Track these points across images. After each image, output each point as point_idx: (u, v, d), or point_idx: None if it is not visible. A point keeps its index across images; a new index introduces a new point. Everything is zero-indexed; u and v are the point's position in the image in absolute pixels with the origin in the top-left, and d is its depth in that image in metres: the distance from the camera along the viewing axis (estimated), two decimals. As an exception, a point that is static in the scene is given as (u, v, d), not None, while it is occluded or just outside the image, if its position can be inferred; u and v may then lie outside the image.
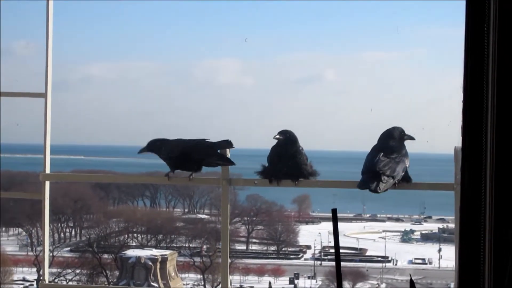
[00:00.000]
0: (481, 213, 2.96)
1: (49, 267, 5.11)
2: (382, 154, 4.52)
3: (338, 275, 3.72)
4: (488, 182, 2.93)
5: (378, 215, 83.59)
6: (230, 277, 4.84)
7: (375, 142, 4.76)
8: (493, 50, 2.88)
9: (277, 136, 4.84)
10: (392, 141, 4.68)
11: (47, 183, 4.91)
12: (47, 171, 4.94)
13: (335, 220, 3.84)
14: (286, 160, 4.77)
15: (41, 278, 4.89)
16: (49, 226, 5.04)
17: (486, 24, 2.90)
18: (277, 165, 4.78)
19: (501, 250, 2.93)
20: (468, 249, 3.01)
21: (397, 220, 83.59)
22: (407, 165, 4.53)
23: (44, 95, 4.86)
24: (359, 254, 64.91)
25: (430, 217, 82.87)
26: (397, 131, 4.74)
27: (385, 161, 4.47)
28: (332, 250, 66.01)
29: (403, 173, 4.51)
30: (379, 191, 4.33)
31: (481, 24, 2.92)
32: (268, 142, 4.93)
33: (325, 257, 63.28)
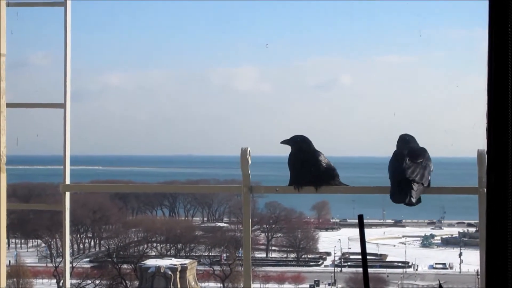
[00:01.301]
0: (508, 216, 2.91)
1: (62, 278, 5.08)
2: (408, 159, 4.45)
3: (366, 281, 3.67)
4: (515, 185, 2.88)
5: (401, 220, 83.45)
6: (252, 286, 4.79)
7: (393, 146, 4.69)
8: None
9: (284, 142, 4.81)
10: (413, 144, 4.63)
11: (67, 194, 4.88)
12: (67, 181, 4.91)
13: (361, 226, 3.78)
14: (308, 166, 4.73)
15: (63, 289, 4.87)
16: (76, 236, 5.02)
17: (510, 25, 2.85)
18: (299, 172, 4.74)
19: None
20: (495, 253, 2.95)
21: (417, 225, 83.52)
22: (432, 169, 4.48)
23: (63, 106, 4.83)
24: (380, 260, 64.73)
25: (450, 222, 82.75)
26: (412, 138, 4.70)
27: (413, 167, 4.39)
28: (352, 257, 65.98)
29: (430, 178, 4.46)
30: (413, 201, 4.26)
31: (505, 25, 2.87)
32: (286, 149, 4.89)
33: (345, 264, 63.16)
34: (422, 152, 4.59)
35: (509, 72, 2.87)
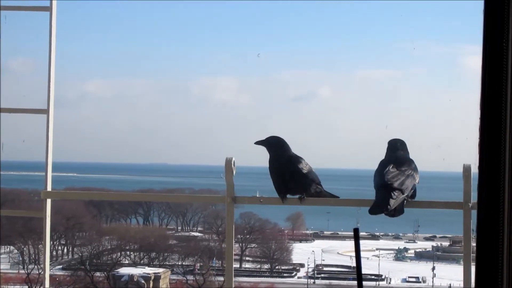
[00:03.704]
0: (499, 231, 2.90)
1: (42, 285, 5.02)
2: (392, 165, 4.41)
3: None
4: (507, 200, 2.87)
5: (372, 233, 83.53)
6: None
7: (373, 160, 4.66)
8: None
9: (258, 143, 4.78)
10: (401, 152, 4.57)
11: (49, 201, 4.83)
12: (49, 188, 4.86)
13: (357, 239, 3.73)
14: (289, 176, 4.68)
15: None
16: (49, 243, 4.96)
17: (505, 39, 2.84)
18: (280, 181, 4.70)
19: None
20: (485, 268, 2.94)
21: (392, 237, 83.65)
22: (417, 181, 4.42)
23: (46, 111, 4.78)
24: (353, 272, 64.73)
25: (424, 235, 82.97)
26: (403, 143, 4.64)
27: (394, 173, 4.33)
28: (326, 269, 66.03)
29: (412, 191, 4.38)
30: (390, 208, 4.18)
31: (499, 39, 2.86)
32: (265, 159, 4.85)
33: (319, 275, 63.14)
34: (408, 161, 4.54)
35: (503, 87, 2.87)
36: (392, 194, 4.22)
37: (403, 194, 4.26)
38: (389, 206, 4.17)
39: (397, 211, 4.23)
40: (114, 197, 12.54)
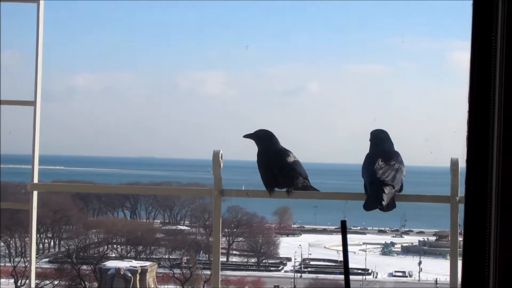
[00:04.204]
0: (487, 226, 2.90)
1: (28, 278, 5.01)
2: (380, 160, 4.42)
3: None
4: (494, 194, 2.87)
5: (359, 227, 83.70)
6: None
7: (360, 154, 4.65)
8: (501, 59, 2.82)
9: (247, 136, 4.78)
10: (386, 145, 4.58)
11: (35, 193, 4.81)
12: (35, 180, 4.84)
13: (344, 232, 3.73)
14: (276, 168, 4.67)
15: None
16: (36, 236, 4.94)
17: (494, 34, 2.84)
18: (268, 174, 4.69)
19: (508, 265, 2.87)
20: (472, 262, 2.94)
21: (378, 232, 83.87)
22: (404, 175, 4.44)
23: (33, 103, 4.76)
24: (340, 267, 64.85)
25: (411, 230, 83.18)
26: (386, 133, 4.64)
27: (384, 168, 4.36)
28: (313, 263, 66.17)
29: (400, 184, 4.41)
30: (383, 204, 4.21)
31: (488, 33, 2.86)
32: (254, 153, 4.85)
33: (305, 269, 63.25)
34: (395, 154, 4.56)
35: (491, 81, 2.87)
36: (385, 189, 4.26)
37: (394, 188, 4.30)
38: (383, 202, 4.22)
39: (390, 206, 4.28)
40: (101, 189, 12.51)
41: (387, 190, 4.27)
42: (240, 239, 67.29)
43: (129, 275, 44.94)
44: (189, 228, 69.37)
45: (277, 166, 4.69)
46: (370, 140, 4.67)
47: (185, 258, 57.88)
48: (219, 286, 4.73)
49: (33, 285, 4.98)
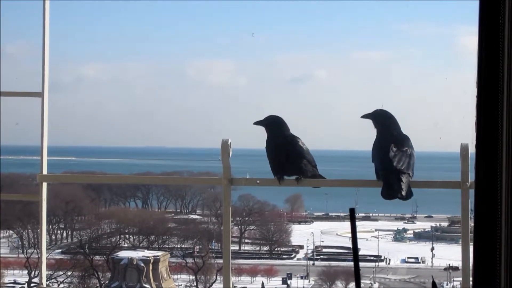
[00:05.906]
0: (497, 210, 2.88)
1: (39, 268, 5.01)
2: (393, 145, 4.37)
3: (357, 275, 3.61)
4: (504, 179, 2.85)
5: (371, 214, 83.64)
6: (232, 279, 4.75)
7: (367, 141, 4.60)
8: (509, 45, 2.80)
9: (257, 123, 4.75)
10: (395, 129, 4.52)
11: (45, 185, 4.81)
12: (44, 172, 4.83)
13: (353, 220, 3.70)
14: (285, 156, 4.64)
15: (38, 283, 4.80)
16: (47, 227, 4.94)
17: (501, 20, 2.81)
18: (277, 162, 4.66)
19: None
20: (483, 248, 2.92)
21: (390, 218, 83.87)
22: (415, 159, 4.41)
23: (41, 95, 4.75)
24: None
25: (422, 216, 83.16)
26: (391, 116, 4.57)
27: (398, 156, 4.32)
28: (325, 250, 66.21)
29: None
30: (403, 194, 4.18)
31: (496, 20, 2.83)
32: (263, 142, 4.82)
33: (318, 257, 63.30)
34: (406, 139, 4.52)
35: (499, 66, 2.84)
36: (402, 178, 4.23)
37: (410, 176, 4.29)
38: (402, 191, 4.19)
39: (408, 195, 4.25)
40: (110, 180, 12.51)
41: (404, 179, 4.24)
42: (252, 227, 67.38)
43: (142, 265, 45.01)
44: (201, 217, 69.51)
45: (284, 152, 4.66)
46: (375, 119, 4.60)
47: (197, 247, 57.97)
48: (231, 275, 4.72)
49: (44, 275, 4.98)
